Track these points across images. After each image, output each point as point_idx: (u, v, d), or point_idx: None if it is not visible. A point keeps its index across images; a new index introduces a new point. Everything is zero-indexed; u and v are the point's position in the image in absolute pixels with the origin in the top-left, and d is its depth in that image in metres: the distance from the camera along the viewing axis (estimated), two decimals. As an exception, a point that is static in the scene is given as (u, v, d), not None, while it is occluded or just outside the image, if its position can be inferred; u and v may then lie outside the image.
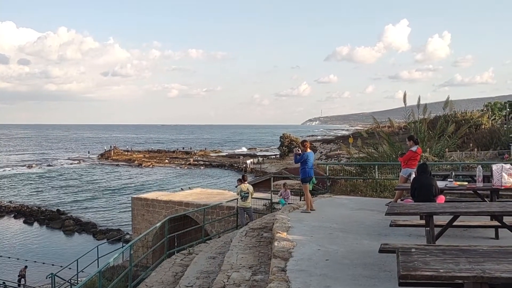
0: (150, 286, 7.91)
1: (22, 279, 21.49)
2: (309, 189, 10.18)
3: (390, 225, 7.04)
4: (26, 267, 23.39)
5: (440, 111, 22.22)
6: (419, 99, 18.15)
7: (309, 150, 10.25)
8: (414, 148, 10.21)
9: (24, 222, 40.06)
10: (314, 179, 10.46)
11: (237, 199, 14.82)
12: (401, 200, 9.55)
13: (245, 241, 8.28)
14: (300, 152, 10.03)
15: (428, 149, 15.94)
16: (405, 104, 17.83)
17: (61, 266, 19.57)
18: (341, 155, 54.46)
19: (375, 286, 5.05)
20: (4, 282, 19.48)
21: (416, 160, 10.22)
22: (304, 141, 10.61)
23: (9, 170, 76.56)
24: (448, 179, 9.11)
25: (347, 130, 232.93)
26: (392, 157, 15.91)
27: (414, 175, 8.52)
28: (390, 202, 9.44)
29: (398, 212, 6.32)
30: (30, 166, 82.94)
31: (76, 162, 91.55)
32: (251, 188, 14.30)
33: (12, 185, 60.03)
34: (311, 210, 9.98)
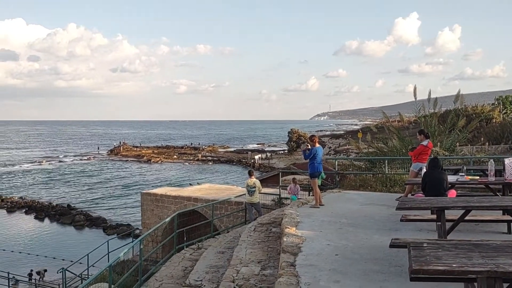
0: (160, 280, 7.94)
1: (38, 276, 21.68)
2: (318, 184, 10.13)
3: (401, 220, 6.98)
4: (46, 270, 23.56)
5: (451, 105, 21.99)
6: (429, 93, 17.95)
7: (317, 145, 10.19)
8: (425, 142, 10.11)
9: (35, 217, 40.47)
10: (323, 174, 10.41)
11: (245, 194, 14.81)
12: (412, 195, 9.47)
13: (254, 236, 8.27)
14: (309, 147, 9.97)
15: (438, 143, 15.78)
16: (415, 98, 17.63)
17: (72, 261, 19.74)
18: (350, 150, 54.24)
19: (385, 281, 5.00)
20: (14, 277, 19.69)
21: (427, 154, 10.11)
22: (313, 136, 10.54)
23: (20, 166, 77.39)
24: (460, 174, 9.01)
25: (356, 124, 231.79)
26: (402, 152, 15.78)
27: (425, 170, 8.44)
28: (400, 196, 9.37)
29: (409, 207, 6.26)
30: (40, 162, 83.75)
31: (85, 158, 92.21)
32: (258, 183, 14.19)
33: (23, 181, 60.67)
34: (320, 205, 9.94)
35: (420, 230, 7.32)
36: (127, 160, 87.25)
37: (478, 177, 9.24)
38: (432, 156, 9.74)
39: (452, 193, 7.85)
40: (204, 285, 6.71)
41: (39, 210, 42.08)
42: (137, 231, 27.58)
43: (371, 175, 14.28)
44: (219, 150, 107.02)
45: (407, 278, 3.55)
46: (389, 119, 22.42)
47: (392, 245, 5.09)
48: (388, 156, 15.82)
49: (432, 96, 17.82)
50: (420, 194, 8.08)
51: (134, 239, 19.40)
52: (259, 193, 14.34)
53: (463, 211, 6.20)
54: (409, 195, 9.48)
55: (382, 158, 15.46)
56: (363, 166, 17.52)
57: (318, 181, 10.13)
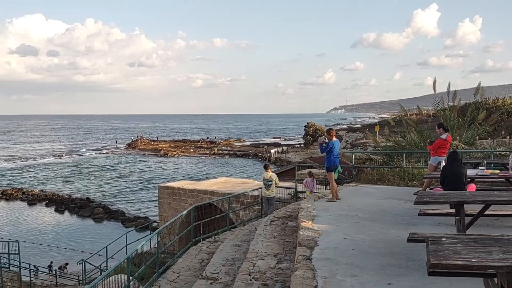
0: (177, 272, 8.02)
1: (58, 270, 22.13)
2: (334, 178, 10.07)
3: (419, 214, 6.90)
4: (67, 264, 24.04)
5: (471, 98, 21.56)
6: (448, 85, 17.63)
7: (334, 139, 10.13)
8: (444, 136, 9.95)
9: (55, 210, 41.28)
10: (339, 168, 10.35)
11: (261, 188, 14.81)
12: (430, 189, 9.35)
13: (270, 230, 8.28)
14: (326, 140, 9.92)
15: (458, 137, 15.52)
16: (434, 91, 17.34)
17: (91, 253, 20.09)
18: (368, 144, 53.76)
19: (403, 275, 4.96)
20: (35, 266, 20.15)
21: (446, 148, 9.96)
22: (330, 129, 10.48)
23: (40, 160, 78.93)
24: (479, 167, 8.86)
25: (374, 118, 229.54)
26: (421, 145, 15.57)
27: (444, 164, 8.31)
28: (418, 191, 9.26)
29: (427, 201, 6.18)
30: (60, 156, 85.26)
31: (104, 151, 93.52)
32: (274, 176, 14.15)
33: (43, 174, 61.87)
34: (336, 199, 9.89)
35: (438, 225, 7.23)
36: (145, 153, 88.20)
37: (498, 171, 9.07)
38: (451, 150, 9.59)
39: (472, 187, 7.73)
40: (221, 278, 6.75)
41: (59, 203, 42.91)
42: (155, 224, 27.91)
43: (389, 169, 14.13)
44: (235, 144, 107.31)
45: (425, 272, 3.51)
46: (407, 112, 22.11)
47: (409, 240, 5.04)
48: (406, 150, 15.63)
49: (452, 89, 17.51)
50: (439, 188, 7.97)
51: (151, 232, 19.64)
52: (276, 187, 14.30)
53: (483, 205, 6.10)
54: (428, 189, 9.36)
55: (400, 151, 15.28)
56: (381, 160, 17.35)
57: (334, 175, 10.08)
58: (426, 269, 3.37)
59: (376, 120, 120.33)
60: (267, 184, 13.98)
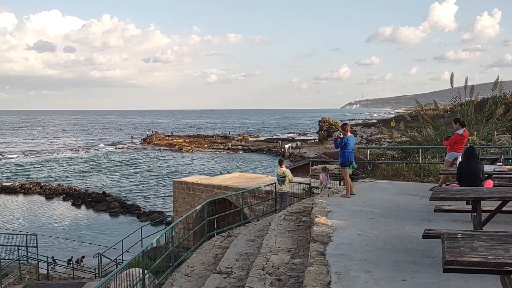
0: (191, 266, 8.07)
1: (75, 263, 22.52)
2: (349, 173, 10.01)
3: (435, 210, 6.82)
4: (83, 257, 24.42)
5: (489, 93, 21.18)
6: (466, 80, 17.35)
7: (349, 134, 10.06)
8: (460, 131, 9.81)
9: (72, 204, 41.92)
10: (354, 163, 10.28)
11: (275, 183, 14.80)
12: (446, 185, 9.24)
13: (283, 225, 8.28)
14: (341, 136, 9.86)
15: (475, 132, 15.29)
16: (452, 86, 17.08)
17: (107, 246, 20.36)
18: (383, 139, 53.31)
19: (418, 272, 4.91)
20: (53, 256, 20.52)
21: (463, 143, 9.82)
22: (345, 124, 10.40)
23: (57, 155, 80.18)
24: (497, 163, 8.72)
25: (389, 113, 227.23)
26: (437, 141, 15.39)
27: (460, 159, 8.19)
28: (434, 187, 9.15)
29: (443, 197, 6.10)
30: (77, 151, 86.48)
31: (120, 147, 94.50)
32: (287, 172, 14.05)
33: (61, 169, 62.82)
34: (351, 194, 9.83)
35: (454, 221, 7.14)
36: (159, 148, 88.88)
37: (516, 167, 8.90)
38: (468, 145, 9.45)
39: (489, 183, 7.60)
40: (235, 272, 6.78)
41: (76, 197, 43.56)
42: (169, 218, 28.15)
43: (404, 165, 13.99)
44: (249, 139, 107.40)
45: (440, 269, 3.47)
46: (423, 107, 21.84)
47: (425, 236, 4.99)
48: (422, 145, 15.46)
49: (469, 83, 17.24)
50: (455, 184, 7.87)
51: (166, 226, 19.81)
52: (290, 182, 14.23)
53: (500, 201, 6.00)
54: (444, 185, 9.24)
55: (416, 147, 15.11)
56: (396, 155, 17.18)
57: (349, 171, 10.02)
58: (441, 266, 3.33)
59: (392, 115, 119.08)
60: (280, 179, 13.95)
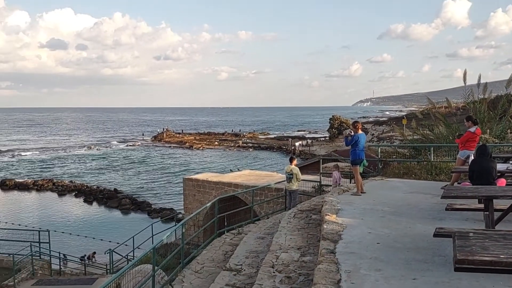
0: (201, 263, 8.11)
1: (86, 259, 22.76)
2: (359, 171, 9.96)
3: (446, 209, 6.76)
4: (95, 253, 24.68)
5: (502, 90, 20.88)
6: (479, 77, 17.14)
7: (360, 132, 10.00)
8: (472, 129, 9.71)
9: (84, 200, 42.35)
10: (365, 161, 10.22)
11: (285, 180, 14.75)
12: (458, 183, 9.15)
13: (293, 223, 8.27)
14: (351, 133, 9.80)
15: (488, 130, 15.10)
16: (465, 83, 16.87)
17: (118, 243, 20.52)
18: (394, 137, 52.93)
19: (428, 271, 4.87)
20: (64, 255, 20.74)
21: (475, 141, 9.72)
22: (356, 122, 10.35)
23: (70, 152, 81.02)
24: (510, 162, 8.63)
25: (401, 111, 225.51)
26: (449, 139, 15.24)
27: (472, 157, 8.11)
28: (446, 185, 9.08)
29: (455, 196, 6.05)
30: (89, 147, 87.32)
31: (131, 144, 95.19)
32: (295, 170, 13.85)
33: (73, 166, 63.48)
34: (361, 192, 9.79)
35: (466, 220, 7.07)
36: (170, 146, 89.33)
37: (530, 166, 8.78)
38: (480, 143, 9.35)
39: (502, 181, 7.52)
40: (244, 270, 6.80)
41: (88, 194, 44.00)
42: (180, 215, 28.29)
43: (416, 163, 13.89)
44: (260, 136, 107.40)
45: (451, 268, 3.45)
46: (435, 105, 21.63)
47: (436, 234, 4.95)
48: (434, 143, 15.32)
49: (482, 81, 17.04)
50: (467, 183, 7.79)
51: (176, 223, 19.91)
52: (298, 181, 14.08)
53: (513, 200, 5.92)
54: (456, 184, 9.16)
55: (428, 145, 14.99)
56: (407, 154, 17.06)
57: (360, 169, 9.97)
58: (453, 265, 3.31)
59: (404, 113, 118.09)
60: (288, 177, 13.90)
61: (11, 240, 17.15)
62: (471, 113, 14.76)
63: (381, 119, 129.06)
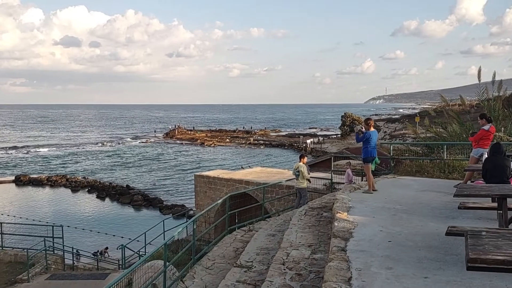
0: (212, 259, 8.15)
1: (100, 255, 23.01)
2: (371, 169, 9.90)
3: (459, 208, 6.70)
4: (107, 248, 24.94)
5: (517, 88, 20.62)
6: (494, 75, 16.91)
7: (372, 129, 9.93)
8: (486, 127, 9.59)
9: (97, 196, 42.77)
10: (377, 159, 10.15)
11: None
12: (471, 181, 9.05)
13: (304, 220, 8.27)
14: (363, 130, 9.74)
15: (502, 128, 14.91)
16: (479, 80, 16.66)
17: (130, 238, 20.74)
18: (407, 135, 52.49)
19: (440, 269, 4.84)
20: (77, 250, 21.00)
21: (489, 139, 9.60)
22: (368, 119, 10.27)
23: (83, 148, 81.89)
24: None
25: (414, 108, 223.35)
26: (462, 137, 15.08)
27: (486, 156, 8.01)
28: (459, 183, 8.98)
29: (468, 194, 5.99)
30: (103, 144, 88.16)
31: (143, 141, 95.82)
32: (301, 167, 13.64)
33: (86, 162, 64.14)
34: (373, 190, 9.74)
35: (479, 219, 7.00)
36: (182, 143, 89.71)
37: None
38: (494, 142, 9.23)
39: (516, 180, 7.41)
40: (255, 266, 6.81)
41: (101, 190, 44.42)
42: (191, 212, 28.44)
43: (428, 161, 13.77)
44: (271, 134, 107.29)
45: (464, 267, 3.42)
46: (448, 103, 21.40)
47: (448, 233, 4.91)
48: (447, 141, 15.17)
49: (497, 78, 16.81)
50: (481, 181, 7.70)
51: (188, 220, 20.02)
52: (306, 179, 13.83)
53: (527, 199, 5.85)
54: (469, 182, 9.06)
55: (441, 143, 14.84)
56: (420, 152, 16.91)
57: (371, 166, 9.91)
58: (465, 264, 3.28)
59: (417, 111, 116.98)
60: (296, 174, 13.82)
61: (26, 235, 17.41)
62: (485, 110, 14.59)
63: (393, 116, 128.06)
